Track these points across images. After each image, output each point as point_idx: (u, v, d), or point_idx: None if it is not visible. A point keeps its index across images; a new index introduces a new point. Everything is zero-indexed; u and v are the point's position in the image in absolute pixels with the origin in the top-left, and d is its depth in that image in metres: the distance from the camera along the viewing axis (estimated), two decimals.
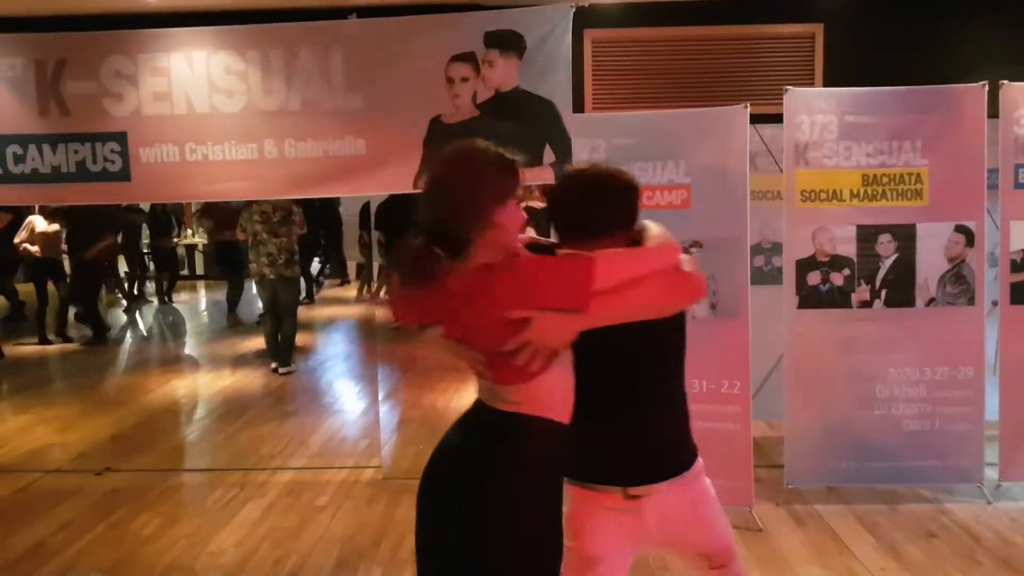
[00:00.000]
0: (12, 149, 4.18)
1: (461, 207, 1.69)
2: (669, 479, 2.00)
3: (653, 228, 1.94)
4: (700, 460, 2.09)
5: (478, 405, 1.89)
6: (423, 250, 1.72)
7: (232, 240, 8.85)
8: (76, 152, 4.16)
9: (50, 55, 4.14)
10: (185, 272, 14.43)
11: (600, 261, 1.71)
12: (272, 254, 7.02)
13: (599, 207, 1.90)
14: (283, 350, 7.45)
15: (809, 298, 4.14)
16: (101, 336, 9.07)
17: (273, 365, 7.42)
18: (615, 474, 1.99)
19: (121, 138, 4.13)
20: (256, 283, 7.35)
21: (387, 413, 6.14)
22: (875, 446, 4.14)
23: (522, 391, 1.77)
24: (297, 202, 7.19)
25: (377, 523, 4.04)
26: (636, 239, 1.92)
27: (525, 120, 3.95)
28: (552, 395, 1.80)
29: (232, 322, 9.94)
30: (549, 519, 1.82)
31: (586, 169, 2.02)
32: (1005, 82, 4.09)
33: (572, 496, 2.03)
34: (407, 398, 6.58)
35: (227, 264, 10.08)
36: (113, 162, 4.15)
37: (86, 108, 4.14)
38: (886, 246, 4.12)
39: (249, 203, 7.10)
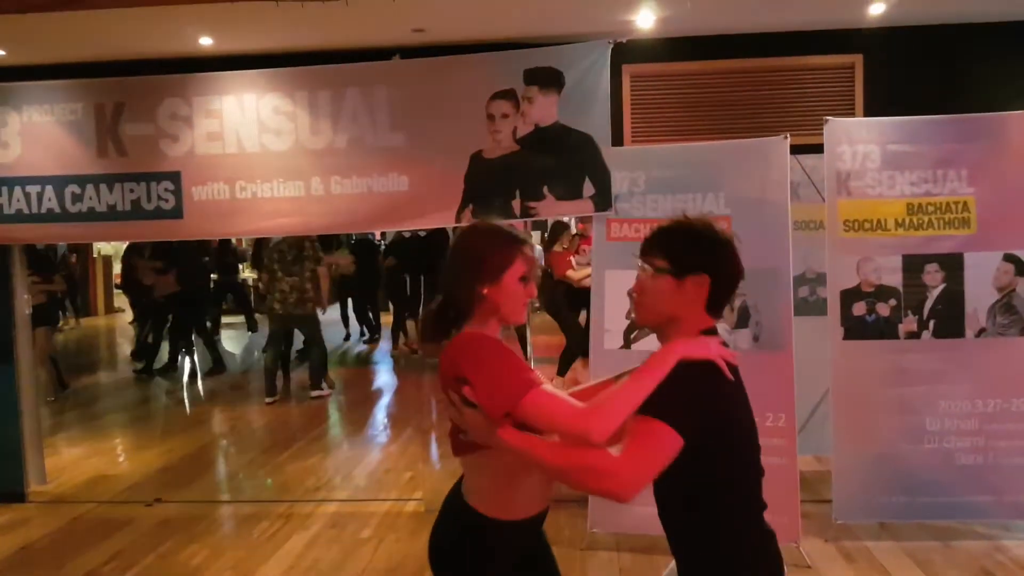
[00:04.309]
0: (71, 189, 4.37)
1: (455, 280, 1.89)
2: None
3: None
4: None
5: (456, 488, 2.03)
6: (436, 314, 1.91)
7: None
8: (132, 191, 4.34)
9: (109, 99, 4.33)
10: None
11: (537, 394, 1.68)
12: (284, 291, 7.29)
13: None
14: (313, 375, 7.79)
15: (855, 329, 4.07)
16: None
17: (268, 399, 7.61)
18: None
19: (175, 177, 4.29)
20: (268, 318, 7.61)
21: (431, 445, 6.16)
22: (927, 481, 4.03)
23: (474, 482, 1.91)
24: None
25: (420, 556, 4.01)
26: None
27: (564, 154, 4.01)
28: (501, 491, 1.88)
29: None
30: None
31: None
32: None
33: None
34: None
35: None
36: (167, 200, 4.31)
37: (143, 149, 4.32)
38: (933, 276, 4.05)
39: (267, 242, 7.41)
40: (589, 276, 7.09)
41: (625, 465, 1.57)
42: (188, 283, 8.96)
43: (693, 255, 1.75)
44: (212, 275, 10.94)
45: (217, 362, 9.28)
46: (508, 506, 1.87)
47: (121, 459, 6.09)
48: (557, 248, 7.75)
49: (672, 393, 1.62)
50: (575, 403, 1.68)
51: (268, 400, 7.59)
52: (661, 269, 1.75)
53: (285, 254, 7.26)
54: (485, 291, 1.84)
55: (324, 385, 7.82)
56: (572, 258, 7.63)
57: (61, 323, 12.04)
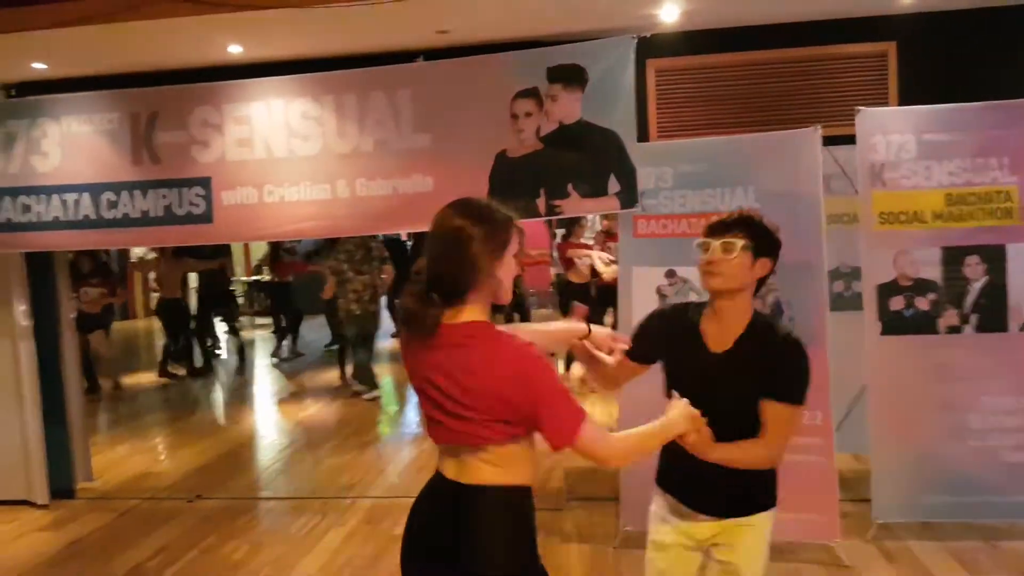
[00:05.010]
0: (106, 196, 4.47)
1: (459, 261, 1.76)
2: (715, 516, 2.24)
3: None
4: (760, 516, 2.23)
5: (446, 485, 1.91)
6: (423, 298, 1.78)
7: (284, 281, 9.88)
8: (164, 197, 4.41)
9: (144, 108, 4.41)
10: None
11: (585, 427, 1.78)
12: (358, 291, 7.34)
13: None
14: (356, 373, 7.89)
15: (892, 324, 3.97)
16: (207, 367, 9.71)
17: (357, 388, 7.79)
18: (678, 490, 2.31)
19: (205, 183, 4.36)
20: (344, 317, 7.65)
21: None
22: (971, 479, 3.91)
23: (489, 457, 1.80)
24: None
25: None
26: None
27: (589, 151, 3.97)
28: (518, 461, 1.84)
29: (280, 356, 10.29)
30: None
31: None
32: None
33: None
34: None
35: (280, 303, 10.45)
36: (197, 205, 4.38)
37: (175, 156, 4.39)
38: (974, 268, 3.93)
39: (334, 243, 7.49)
40: (588, 256, 7.25)
41: (779, 450, 2.13)
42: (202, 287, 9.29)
43: (767, 241, 2.15)
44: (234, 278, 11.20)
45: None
46: (528, 470, 1.86)
47: (162, 457, 6.25)
48: (572, 240, 7.78)
49: (805, 380, 2.11)
50: (603, 433, 1.86)
51: (368, 396, 7.69)
52: (746, 247, 2.12)
53: (353, 254, 7.28)
54: (494, 269, 1.78)
55: (363, 384, 7.85)
56: (572, 250, 7.66)
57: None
